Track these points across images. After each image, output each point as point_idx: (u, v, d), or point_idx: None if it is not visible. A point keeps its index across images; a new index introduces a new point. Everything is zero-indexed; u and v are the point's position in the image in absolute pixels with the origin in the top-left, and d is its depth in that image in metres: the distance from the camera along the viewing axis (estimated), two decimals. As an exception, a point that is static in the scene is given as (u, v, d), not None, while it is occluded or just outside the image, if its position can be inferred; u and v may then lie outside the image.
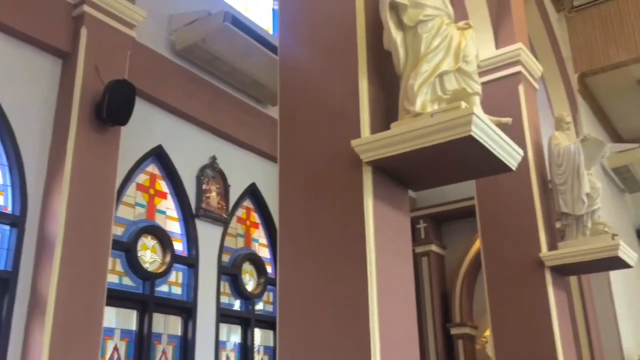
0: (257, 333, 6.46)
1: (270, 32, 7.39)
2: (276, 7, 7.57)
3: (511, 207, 4.47)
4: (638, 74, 7.61)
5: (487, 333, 6.79)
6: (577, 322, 6.37)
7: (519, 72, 4.75)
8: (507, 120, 2.51)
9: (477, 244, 5.74)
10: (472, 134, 2.15)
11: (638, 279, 8.14)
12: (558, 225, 4.72)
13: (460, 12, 4.98)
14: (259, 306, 6.57)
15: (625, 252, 4.31)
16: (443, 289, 8.38)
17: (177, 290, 5.63)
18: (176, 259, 5.60)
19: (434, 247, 8.42)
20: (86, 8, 4.66)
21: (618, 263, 4.40)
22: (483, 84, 4.59)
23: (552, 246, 4.39)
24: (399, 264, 2.49)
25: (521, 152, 2.48)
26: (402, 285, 2.48)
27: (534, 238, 4.33)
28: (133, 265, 5.21)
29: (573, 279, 6.62)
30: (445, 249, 8.60)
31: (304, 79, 2.75)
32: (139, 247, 5.31)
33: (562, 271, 4.41)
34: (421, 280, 8.27)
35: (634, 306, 7.69)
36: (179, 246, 5.72)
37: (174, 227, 5.76)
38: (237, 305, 6.31)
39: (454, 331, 8.05)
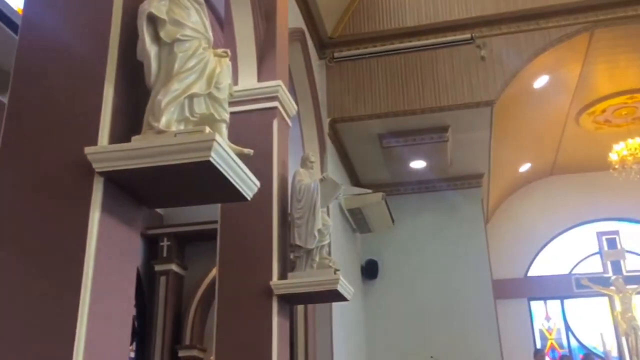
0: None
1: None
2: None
3: (250, 235, 4.60)
4: (378, 129, 8.56)
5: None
6: (298, 350, 6.78)
7: (275, 108, 4.98)
8: (249, 151, 2.60)
9: (217, 268, 5.80)
10: (210, 159, 2.18)
11: (354, 312, 9.01)
12: (292, 256, 5.00)
13: (229, 40, 5.11)
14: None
15: (344, 287, 4.73)
16: (178, 310, 8.26)
17: None
18: None
19: (174, 267, 8.28)
20: None
21: (337, 296, 4.80)
22: (241, 112, 4.82)
23: (282, 276, 4.62)
24: (119, 282, 2.37)
25: (258, 183, 2.57)
26: (119, 305, 2.36)
27: (267, 267, 4.51)
28: None
29: (301, 309, 7.05)
30: (186, 270, 8.51)
31: (44, 71, 2.51)
32: None
33: (289, 300, 4.65)
34: (156, 300, 8.05)
35: (349, 339, 8.47)
36: None
37: None
38: None
39: (181, 353, 7.95)
